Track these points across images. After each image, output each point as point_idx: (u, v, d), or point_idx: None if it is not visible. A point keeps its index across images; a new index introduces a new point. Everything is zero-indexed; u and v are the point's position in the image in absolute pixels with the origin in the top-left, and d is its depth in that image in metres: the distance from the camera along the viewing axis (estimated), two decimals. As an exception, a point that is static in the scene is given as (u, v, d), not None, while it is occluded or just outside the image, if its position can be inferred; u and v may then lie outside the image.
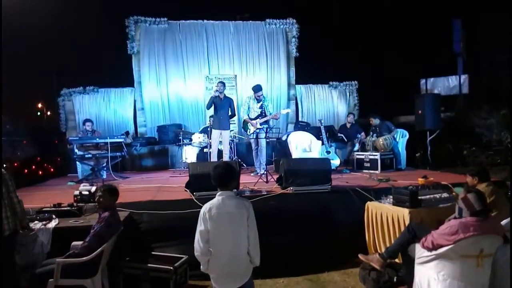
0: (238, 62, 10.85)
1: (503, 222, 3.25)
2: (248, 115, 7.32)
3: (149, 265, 3.83)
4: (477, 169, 4.09)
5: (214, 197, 2.83)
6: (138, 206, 4.70)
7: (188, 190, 5.22)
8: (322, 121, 8.15)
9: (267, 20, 11.00)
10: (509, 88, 9.59)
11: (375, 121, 8.24)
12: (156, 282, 3.74)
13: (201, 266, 2.77)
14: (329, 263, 4.40)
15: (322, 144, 7.72)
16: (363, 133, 8.54)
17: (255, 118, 7.25)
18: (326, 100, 11.40)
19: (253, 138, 7.32)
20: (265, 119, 7.23)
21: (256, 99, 7.31)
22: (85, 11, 10.69)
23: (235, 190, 4.50)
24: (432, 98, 8.89)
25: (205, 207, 2.75)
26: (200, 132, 8.41)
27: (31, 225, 3.86)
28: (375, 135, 8.02)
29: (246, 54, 10.92)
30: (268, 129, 7.26)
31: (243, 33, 10.93)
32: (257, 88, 7.32)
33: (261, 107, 7.30)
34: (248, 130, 7.32)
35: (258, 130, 7.22)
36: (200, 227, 2.72)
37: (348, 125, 8.82)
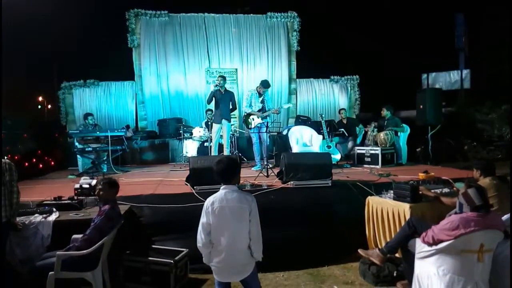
0: (238, 56, 10.81)
1: (505, 217, 3.25)
2: (251, 109, 7.26)
3: (149, 258, 3.84)
4: (483, 162, 4.07)
5: (215, 191, 2.84)
6: (139, 199, 4.71)
7: (188, 184, 5.22)
8: (323, 115, 8.12)
9: (268, 14, 10.94)
10: (510, 83, 9.56)
11: (386, 113, 8.14)
12: (157, 275, 3.75)
13: (203, 258, 2.80)
14: (329, 257, 4.40)
15: (323, 138, 7.71)
16: (361, 125, 8.54)
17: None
18: (327, 95, 11.36)
19: (254, 133, 7.28)
20: (266, 113, 7.21)
21: (258, 93, 7.28)
22: (86, 4, 10.65)
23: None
24: (433, 92, 8.85)
25: (209, 200, 2.77)
26: (201, 127, 8.39)
27: (31, 218, 3.87)
28: (376, 129, 7.99)
29: (247, 47, 10.86)
30: (269, 124, 7.23)
31: (244, 27, 10.87)
32: (265, 84, 7.29)
33: (262, 101, 7.28)
34: (250, 125, 7.28)
35: (259, 125, 7.17)
36: (202, 219, 2.75)
37: (344, 121, 8.80)
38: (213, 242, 2.74)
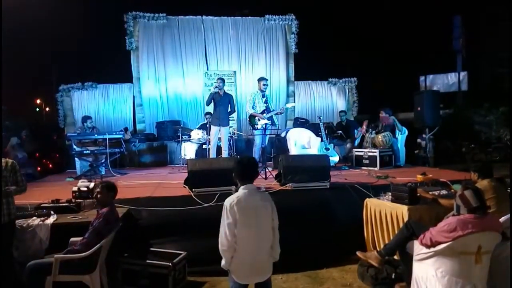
0: (237, 58, 10.81)
1: (503, 218, 3.25)
2: (254, 111, 7.23)
3: (148, 261, 3.84)
4: (480, 165, 4.08)
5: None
6: (137, 202, 4.69)
7: (186, 187, 5.21)
8: (321, 117, 8.12)
9: (266, 16, 10.95)
10: (508, 85, 9.59)
11: (385, 116, 8.12)
12: (155, 278, 3.75)
13: (223, 261, 2.69)
14: (327, 260, 4.40)
15: (321, 140, 7.71)
16: (360, 128, 8.54)
17: (261, 113, 7.18)
18: (325, 97, 11.37)
19: (259, 134, 7.15)
20: (271, 114, 7.18)
21: (261, 92, 7.26)
22: (84, 7, 10.66)
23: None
24: (431, 95, 8.86)
25: (232, 200, 2.67)
26: (198, 129, 8.39)
27: (29, 221, 3.86)
28: (374, 131, 8.00)
29: (245, 50, 10.87)
30: (271, 124, 7.20)
31: (242, 29, 10.87)
32: (263, 78, 7.45)
33: (265, 102, 7.27)
34: (256, 125, 7.15)
35: (264, 125, 7.09)
36: (227, 220, 2.63)
37: (344, 123, 8.82)
38: (237, 242, 2.64)
